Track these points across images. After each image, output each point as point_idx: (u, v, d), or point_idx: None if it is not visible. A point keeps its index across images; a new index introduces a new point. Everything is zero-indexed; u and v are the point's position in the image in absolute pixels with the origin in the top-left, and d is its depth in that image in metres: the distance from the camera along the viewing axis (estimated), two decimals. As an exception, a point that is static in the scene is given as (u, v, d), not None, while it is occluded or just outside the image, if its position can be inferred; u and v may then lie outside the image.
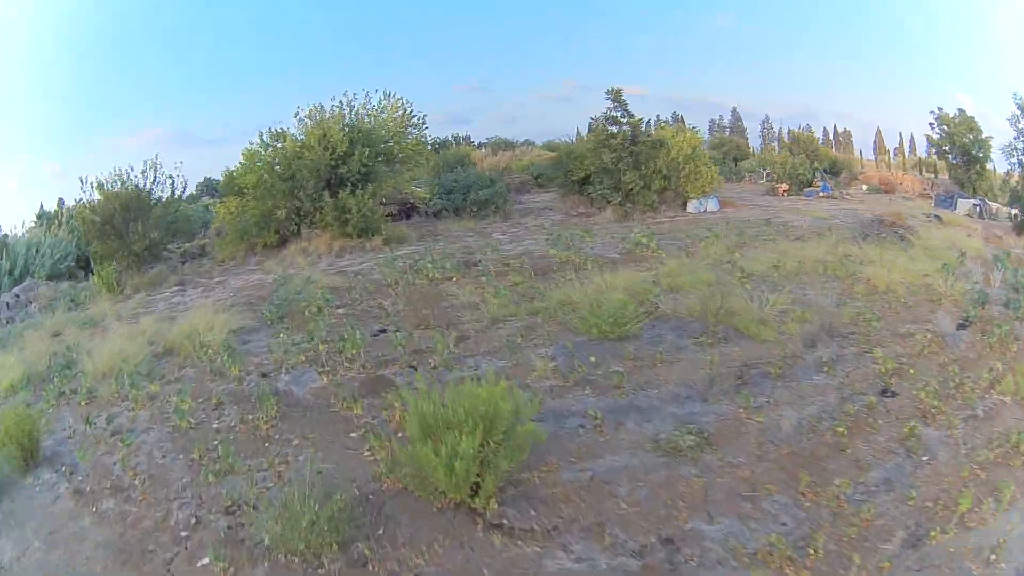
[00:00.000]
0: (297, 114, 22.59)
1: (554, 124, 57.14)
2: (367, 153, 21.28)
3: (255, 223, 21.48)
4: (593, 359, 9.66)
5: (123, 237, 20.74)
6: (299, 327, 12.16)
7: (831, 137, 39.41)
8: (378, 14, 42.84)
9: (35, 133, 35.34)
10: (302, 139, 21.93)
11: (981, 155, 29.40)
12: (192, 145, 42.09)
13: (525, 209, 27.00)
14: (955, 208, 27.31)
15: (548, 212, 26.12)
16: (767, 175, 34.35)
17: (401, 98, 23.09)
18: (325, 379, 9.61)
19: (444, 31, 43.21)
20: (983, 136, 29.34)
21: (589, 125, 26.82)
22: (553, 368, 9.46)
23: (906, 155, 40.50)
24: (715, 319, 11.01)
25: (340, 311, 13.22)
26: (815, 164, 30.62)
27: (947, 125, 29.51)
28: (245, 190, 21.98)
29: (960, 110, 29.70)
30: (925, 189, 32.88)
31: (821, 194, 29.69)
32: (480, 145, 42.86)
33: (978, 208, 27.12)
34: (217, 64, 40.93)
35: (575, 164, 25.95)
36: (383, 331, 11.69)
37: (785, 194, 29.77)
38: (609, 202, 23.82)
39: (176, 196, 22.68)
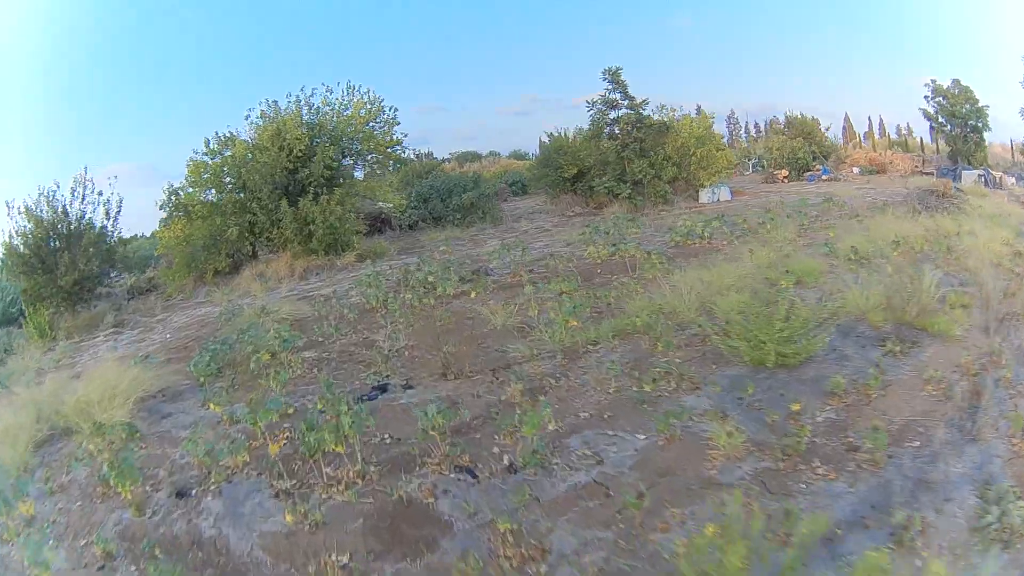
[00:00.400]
0: (248, 116, 17.30)
1: (514, 137, 53.10)
2: (331, 151, 16.23)
3: (202, 246, 16.06)
4: (796, 406, 4.96)
5: (52, 271, 15.00)
6: (246, 387, 7.07)
7: (798, 127, 36.01)
8: (337, 40, 38.05)
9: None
10: (254, 141, 16.68)
11: (980, 125, 26.07)
12: (161, 180, 36.63)
13: (513, 214, 22.22)
14: (960, 180, 23.93)
15: (540, 215, 21.31)
16: (753, 165, 30.42)
17: (368, 90, 18.09)
18: (288, 516, 4.28)
19: (401, 54, 38.53)
20: (980, 105, 26.08)
21: (554, 133, 22.11)
22: (743, 437, 4.64)
23: (876, 137, 37.49)
24: (903, 316, 7.01)
25: (308, 355, 8.01)
26: (813, 147, 26.62)
27: (944, 96, 26.03)
28: (191, 208, 16.61)
29: (955, 80, 26.36)
30: (917, 166, 29.50)
31: (824, 177, 25.77)
32: (444, 160, 38.15)
33: (983, 178, 23.84)
34: (186, 99, 35.54)
35: (565, 160, 21.30)
36: (383, 388, 6.50)
37: (786, 180, 25.69)
38: (616, 196, 19.13)
39: (111, 217, 16.31)
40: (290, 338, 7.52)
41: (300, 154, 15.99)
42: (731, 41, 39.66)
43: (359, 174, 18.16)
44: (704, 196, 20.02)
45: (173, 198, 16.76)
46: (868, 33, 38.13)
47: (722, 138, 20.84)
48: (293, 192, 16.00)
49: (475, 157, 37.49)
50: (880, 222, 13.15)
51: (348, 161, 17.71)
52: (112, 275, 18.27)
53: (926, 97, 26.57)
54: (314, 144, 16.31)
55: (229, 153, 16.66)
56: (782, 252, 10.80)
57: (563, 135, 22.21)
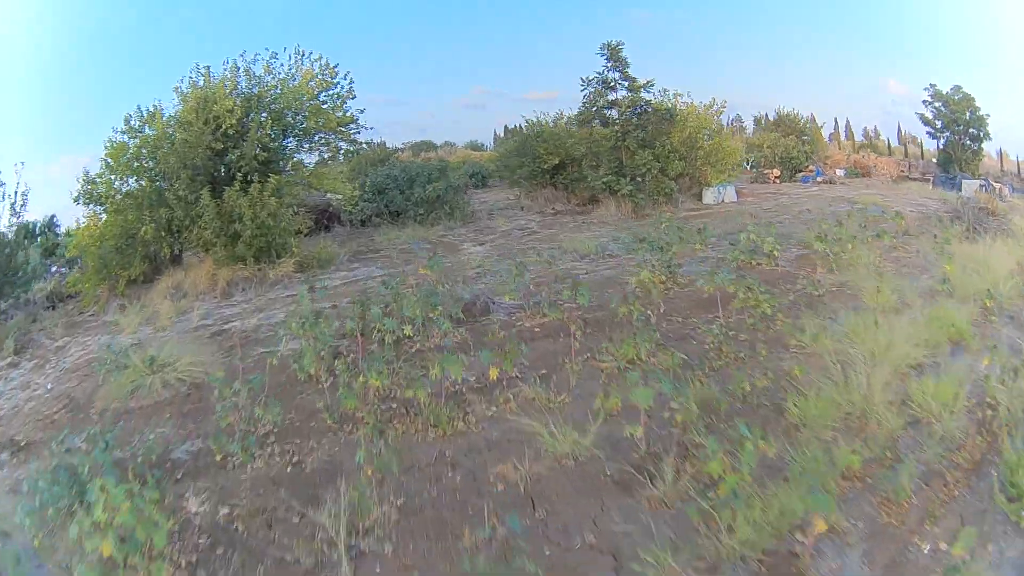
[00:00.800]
0: (179, 87, 12.57)
1: (465, 130, 49.36)
2: (269, 126, 12.07)
3: (114, 247, 11.68)
4: None
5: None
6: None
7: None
8: (290, 33, 33.47)
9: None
10: (178, 115, 12.18)
11: (981, 134, 24.10)
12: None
13: (482, 208, 18.45)
14: (960, 189, 21.83)
15: (516, 212, 17.59)
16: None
17: (320, 57, 13.40)
18: None
19: (348, 45, 33.88)
20: (981, 114, 24.09)
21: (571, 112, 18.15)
22: None
23: (842, 139, 35.52)
24: None
25: (195, 508, 4.05)
26: (806, 146, 23.89)
27: (946, 102, 23.89)
28: (107, 201, 12.13)
29: (956, 87, 24.21)
30: (903, 171, 27.43)
31: (818, 179, 23.19)
32: (398, 149, 33.84)
33: (984, 188, 21.83)
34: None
35: (545, 148, 17.78)
36: None
37: (778, 180, 22.91)
38: (614, 192, 15.72)
39: (16, 214, 12.20)
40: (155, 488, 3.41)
41: (231, 131, 11.81)
42: (689, 36, 36.60)
43: (304, 158, 13.97)
44: (709, 196, 16.86)
45: (89, 188, 12.26)
46: (831, 34, 35.73)
47: (733, 132, 17.59)
48: (221, 179, 11.80)
49: (430, 146, 33.41)
50: (962, 248, 10.35)
51: (291, 142, 13.59)
52: (52, 269, 14.40)
53: (925, 102, 24.55)
54: (249, 119, 12.18)
55: (152, 132, 12.27)
56: (892, 286, 7.70)
57: (542, 120, 18.69)
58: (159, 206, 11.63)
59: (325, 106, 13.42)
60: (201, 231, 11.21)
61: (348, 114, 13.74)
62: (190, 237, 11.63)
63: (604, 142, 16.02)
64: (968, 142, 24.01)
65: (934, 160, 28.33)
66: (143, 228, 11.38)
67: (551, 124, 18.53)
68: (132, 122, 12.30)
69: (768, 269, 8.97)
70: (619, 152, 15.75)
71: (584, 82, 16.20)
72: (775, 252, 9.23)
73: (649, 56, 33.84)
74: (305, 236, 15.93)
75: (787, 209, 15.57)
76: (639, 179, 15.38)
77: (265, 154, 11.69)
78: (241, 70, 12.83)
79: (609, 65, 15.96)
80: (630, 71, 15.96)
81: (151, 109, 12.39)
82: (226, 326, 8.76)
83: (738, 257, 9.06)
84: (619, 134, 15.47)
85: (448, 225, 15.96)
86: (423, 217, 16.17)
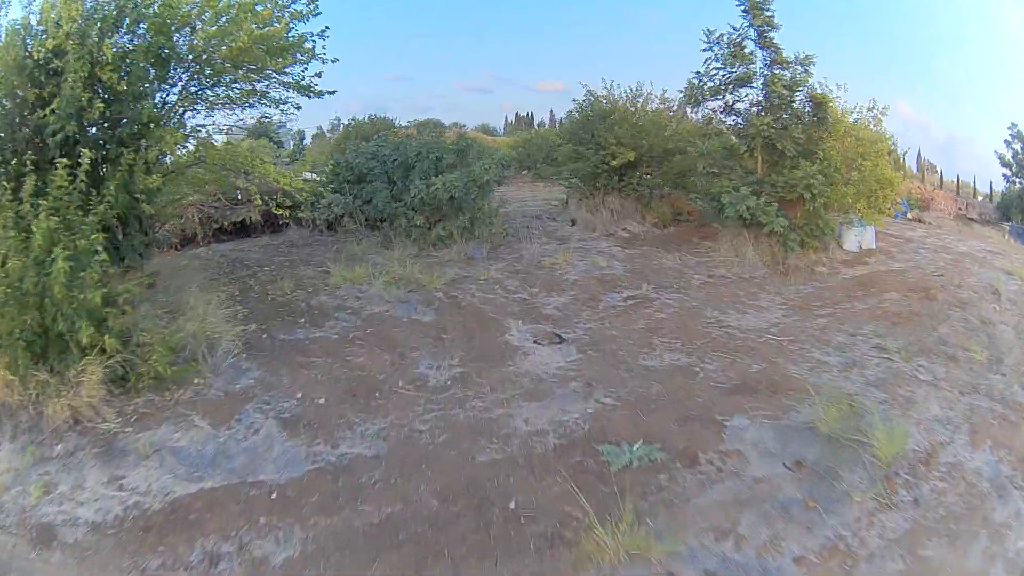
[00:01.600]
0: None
1: (472, 114, 45.19)
2: (113, 54, 4.60)
3: None
4: None
5: None
6: None
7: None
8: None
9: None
10: None
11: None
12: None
13: (512, 214, 11.46)
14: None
15: (569, 232, 10.77)
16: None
17: None
18: None
19: (367, 23, 29.78)
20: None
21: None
22: None
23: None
24: None
25: None
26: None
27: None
28: None
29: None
30: (960, 208, 22.29)
31: (908, 216, 17.48)
32: (403, 126, 26.32)
33: (1063, 248, 16.83)
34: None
35: (618, 138, 10.87)
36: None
37: (867, 211, 17.04)
38: (755, 224, 9.12)
39: None
40: None
41: (57, 66, 4.60)
42: (694, 39, 31.80)
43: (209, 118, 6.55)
44: (850, 239, 10.44)
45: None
46: (839, 51, 31.13)
47: (890, 143, 11.14)
48: (42, 165, 4.39)
49: (438, 126, 26.12)
50: None
51: (195, 87, 6.13)
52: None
53: (1006, 141, 21.61)
54: (85, 40, 4.84)
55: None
56: None
57: (613, 95, 11.77)
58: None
59: (260, 25, 5.99)
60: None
61: (297, 39, 6.47)
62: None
63: (728, 137, 9.38)
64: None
65: (980, 198, 23.85)
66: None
67: (620, 100, 11.69)
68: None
69: None
70: (752, 159, 9.21)
71: (708, 37, 9.38)
72: None
73: (650, 56, 30.03)
74: (223, 240, 8.95)
75: (964, 280, 9.20)
76: (791, 206, 8.88)
77: (103, 105, 4.41)
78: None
79: (748, 23, 9.27)
80: (776, 38, 9.33)
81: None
82: None
83: None
84: (768, 130, 8.83)
85: (465, 251, 9.04)
86: (423, 232, 9.24)
